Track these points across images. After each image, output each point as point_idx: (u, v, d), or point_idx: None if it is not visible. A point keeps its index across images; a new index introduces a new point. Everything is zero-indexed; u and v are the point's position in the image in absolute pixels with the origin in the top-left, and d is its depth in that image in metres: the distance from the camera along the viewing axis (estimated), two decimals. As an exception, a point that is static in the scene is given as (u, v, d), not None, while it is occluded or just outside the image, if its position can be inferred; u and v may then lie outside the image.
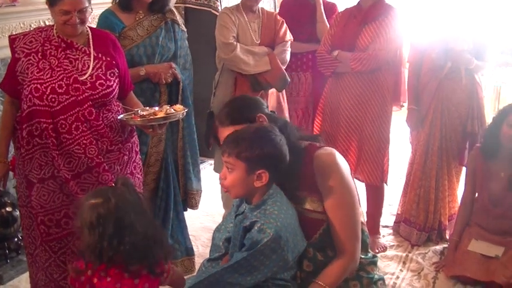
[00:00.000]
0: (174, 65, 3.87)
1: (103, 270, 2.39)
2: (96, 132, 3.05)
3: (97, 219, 2.34)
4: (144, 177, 3.79)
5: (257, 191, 2.51)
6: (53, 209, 3.10)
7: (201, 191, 4.28)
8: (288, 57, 4.58)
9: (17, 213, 4.12)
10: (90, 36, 3.15)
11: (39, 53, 3.05)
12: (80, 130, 3.01)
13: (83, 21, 3.05)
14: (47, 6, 3.04)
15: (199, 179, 4.27)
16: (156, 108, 3.17)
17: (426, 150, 4.51)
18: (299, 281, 2.60)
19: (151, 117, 3.08)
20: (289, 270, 2.52)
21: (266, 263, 2.40)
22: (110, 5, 3.78)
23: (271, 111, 2.77)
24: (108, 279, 2.39)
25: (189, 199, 4.22)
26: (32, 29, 4.23)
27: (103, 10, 3.76)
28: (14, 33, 4.27)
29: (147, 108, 3.19)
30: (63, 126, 3.00)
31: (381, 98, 4.38)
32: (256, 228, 2.42)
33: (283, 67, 4.51)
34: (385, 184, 4.60)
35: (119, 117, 3.10)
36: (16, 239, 4.34)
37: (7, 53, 4.32)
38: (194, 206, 4.28)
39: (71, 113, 3.00)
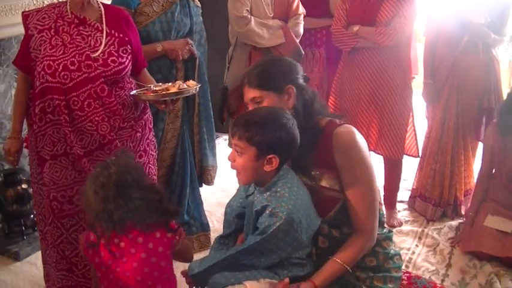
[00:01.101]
0: (190, 41, 3.87)
1: (116, 237, 2.41)
2: (109, 109, 3.05)
3: (99, 186, 2.37)
4: (160, 154, 3.83)
5: (266, 175, 2.49)
6: (66, 185, 3.11)
7: (217, 166, 4.30)
8: (301, 30, 4.55)
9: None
10: (103, 13, 3.13)
11: (52, 30, 3.04)
12: (92, 107, 3.00)
13: None
14: (59, -17, 3.04)
15: (214, 155, 4.28)
16: (169, 84, 3.14)
17: (442, 125, 4.49)
18: (315, 258, 2.59)
19: (164, 92, 3.05)
20: (304, 248, 2.50)
21: (280, 245, 2.39)
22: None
23: (305, 76, 2.69)
24: (122, 245, 2.42)
25: (205, 175, 4.23)
26: (44, 5, 4.24)
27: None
28: (27, 10, 4.28)
29: (160, 84, 3.17)
30: (76, 103, 2.99)
31: (402, 72, 4.36)
32: (267, 212, 2.40)
33: (297, 40, 4.48)
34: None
35: (131, 93, 3.09)
36: (32, 216, 4.36)
37: (20, 30, 4.36)
38: (210, 182, 4.29)
39: (83, 90, 2.99)
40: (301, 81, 2.62)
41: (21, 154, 3.34)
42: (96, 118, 3.01)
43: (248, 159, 2.43)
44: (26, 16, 3.10)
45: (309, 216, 2.45)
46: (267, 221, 2.38)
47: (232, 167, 2.53)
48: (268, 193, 2.46)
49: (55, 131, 3.05)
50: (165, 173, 3.99)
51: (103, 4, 3.18)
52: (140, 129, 3.21)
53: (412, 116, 4.57)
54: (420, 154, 4.73)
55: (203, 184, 4.32)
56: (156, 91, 3.06)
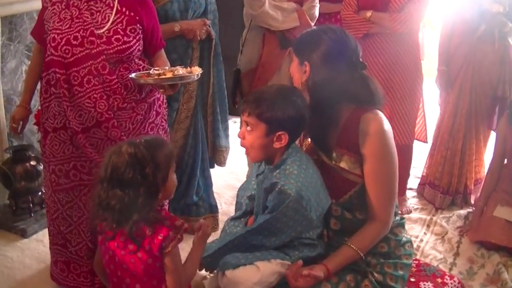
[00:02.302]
0: (208, 22, 3.84)
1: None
2: (109, 87, 3.03)
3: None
4: (173, 134, 3.82)
5: (276, 152, 2.50)
6: (63, 159, 3.13)
7: (229, 148, 4.29)
8: (316, 13, 4.49)
9: (41, 167, 4.14)
10: None
11: (64, 3, 3.03)
12: (92, 84, 2.99)
13: None
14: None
15: (227, 136, 4.28)
16: (167, 69, 3.07)
17: (455, 113, 4.46)
18: (326, 239, 2.60)
19: (157, 77, 2.96)
20: (315, 228, 2.50)
21: (289, 224, 2.40)
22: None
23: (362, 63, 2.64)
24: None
25: (217, 156, 4.23)
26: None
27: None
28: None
29: (158, 68, 3.08)
30: (76, 78, 2.99)
31: (413, 58, 4.31)
32: (276, 189, 2.41)
33: (312, 23, 4.43)
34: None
35: (129, 76, 3.04)
36: (40, 193, 4.36)
37: (32, 6, 4.35)
38: (222, 163, 4.30)
39: (84, 65, 2.98)
40: (320, 62, 2.55)
41: (26, 123, 3.38)
42: (95, 95, 3.00)
43: (258, 136, 2.46)
44: None
45: (318, 195, 2.46)
46: (276, 199, 2.40)
47: (242, 144, 2.56)
48: (277, 171, 2.48)
49: (56, 104, 3.07)
50: (177, 153, 3.96)
51: None
52: (142, 112, 3.17)
53: (423, 101, 4.53)
54: (429, 140, 4.71)
55: (215, 165, 4.32)
56: (149, 74, 2.98)
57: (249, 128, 2.48)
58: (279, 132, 2.44)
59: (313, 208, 2.42)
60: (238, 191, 2.85)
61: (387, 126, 2.53)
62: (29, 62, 4.34)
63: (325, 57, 2.53)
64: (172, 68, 3.06)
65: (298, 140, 2.73)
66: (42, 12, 3.13)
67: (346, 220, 2.57)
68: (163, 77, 2.92)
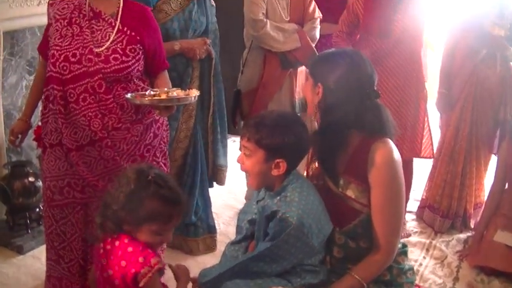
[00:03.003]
0: (208, 41, 3.84)
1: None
2: (105, 106, 3.00)
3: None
4: (172, 153, 3.82)
5: (276, 179, 2.48)
6: (58, 175, 3.11)
7: (227, 167, 4.26)
8: (317, 34, 4.52)
9: (40, 183, 4.12)
10: (121, 8, 3.08)
11: (66, 20, 3.03)
12: (87, 102, 2.98)
13: None
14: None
15: (226, 154, 4.27)
16: (164, 90, 3.02)
17: (455, 135, 4.46)
18: (329, 266, 2.57)
19: (151, 98, 2.90)
20: (317, 255, 2.48)
21: (291, 251, 2.38)
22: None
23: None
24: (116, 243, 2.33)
25: (218, 175, 4.23)
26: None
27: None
28: (42, 1, 4.30)
29: (156, 89, 3.02)
30: (72, 95, 2.98)
31: (416, 76, 4.35)
32: (278, 217, 2.38)
33: (313, 44, 4.45)
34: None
35: (125, 96, 3.00)
36: (38, 210, 4.34)
37: (34, 21, 4.35)
38: (222, 182, 4.29)
39: (81, 83, 2.97)
40: (334, 87, 2.51)
41: (24, 137, 3.35)
42: (90, 113, 2.98)
43: (256, 162, 2.45)
44: (49, 5, 3.14)
45: (320, 222, 2.44)
46: (277, 227, 2.37)
47: (242, 169, 2.54)
48: (278, 198, 2.45)
49: (53, 121, 3.06)
50: (176, 172, 3.95)
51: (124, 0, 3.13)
52: (138, 133, 3.12)
53: (427, 118, 4.53)
54: (434, 156, 4.70)
55: (214, 184, 4.31)
56: (144, 95, 2.92)
57: (247, 153, 2.47)
58: (278, 160, 2.42)
59: (314, 235, 2.39)
60: (239, 215, 2.83)
61: (397, 156, 2.50)
62: (30, 77, 4.36)
63: (338, 82, 2.49)
64: (169, 89, 3.02)
65: (306, 162, 2.72)
66: (47, 28, 3.14)
67: (350, 249, 2.55)
68: (158, 98, 2.88)
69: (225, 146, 4.25)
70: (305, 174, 2.75)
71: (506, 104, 4.35)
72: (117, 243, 2.30)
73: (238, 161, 2.55)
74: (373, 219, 2.49)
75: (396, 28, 4.18)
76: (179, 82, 3.49)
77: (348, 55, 2.57)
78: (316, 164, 2.70)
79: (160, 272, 2.29)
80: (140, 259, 2.23)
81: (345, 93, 2.49)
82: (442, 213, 4.59)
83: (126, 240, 2.28)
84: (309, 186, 2.53)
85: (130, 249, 2.26)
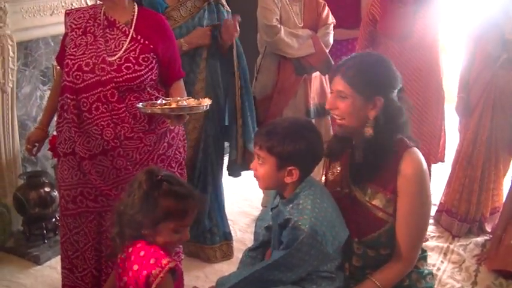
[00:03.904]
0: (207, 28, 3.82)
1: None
2: (117, 115, 3.01)
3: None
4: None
5: (288, 186, 2.48)
6: (71, 184, 3.12)
7: None
8: (331, 40, 4.51)
9: (55, 193, 4.13)
10: (135, 16, 3.09)
11: (81, 29, 3.05)
12: (100, 111, 2.99)
13: None
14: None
15: None
16: (176, 99, 3.00)
17: (474, 140, 4.43)
18: (347, 273, 2.55)
19: (160, 107, 2.89)
20: (332, 261, 2.45)
21: (305, 259, 2.36)
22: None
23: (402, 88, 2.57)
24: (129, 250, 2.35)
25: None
26: (72, 6, 4.25)
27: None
28: (55, 12, 4.29)
29: (169, 99, 3.02)
30: (85, 104, 2.99)
31: (436, 80, 4.40)
32: (290, 225, 2.37)
33: (327, 50, 4.43)
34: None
35: (136, 106, 2.99)
36: (54, 220, 4.34)
37: (48, 31, 4.36)
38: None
39: (93, 92, 2.98)
40: (394, 95, 2.51)
41: (41, 147, 3.38)
42: (102, 123, 2.99)
43: (269, 169, 2.44)
44: (66, 14, 3.16)
45: (334, 228, 2.42)
46: (290, 235, 2.36)
47: (255, 175, 2.54)
48: (290, 205, 2.45)
49: (67, 130, 3.07)
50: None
51: (139, 8, 3.14)
52: (151, 143, 3.12)
53: (444, 122, 4.57)
54: (447, 166, 4.71)
55: (232, 188, 4.33)
56: (154, 104, 2.92)
57: (260, 161, 2.47)
58: (290, 167, 2.42)
59: (329, 242, 2.38)
60: (256, 221, 2.84)
61: (425, 166, 2.50)
62: (44, 87, 4.38)
63: (395, 88, 2.50)
64: (181, 98, 3.02)
65: (323, 168, 2.71)
66: (64, 37, 3.17)
67: (369, 257, 2.54)
68: (168, 107, 2.87)
69: (255, 129, 4.09)
70: (323, 180, 2.74)
71: None
72: (130, 249, 2.32)
73: (251, 168, 2.55)
74: (397, 228, 2.48)
75: (417, 30, 4.19)
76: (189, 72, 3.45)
77: (381, 59, 2.57)
78: (338, 169, 2.68)
79: (174, 274, 2.29)
80: (151, 260, 2.24)
81: (399, 99, 2.51)
82: (460, 218, 4.55)
83: (138, 245, 2.30)
84: (323, 192, 2.52)
85: (142, 253, 2.28)
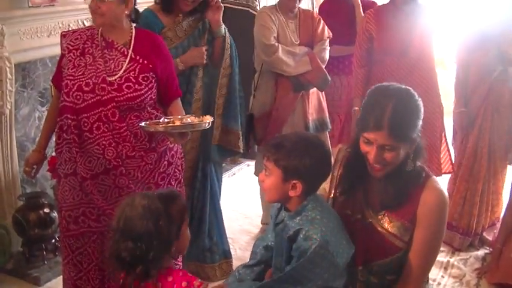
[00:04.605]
0: (204, 48, 3.80)
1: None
2: (118, 135, 3.03)
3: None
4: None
5: (294, 200, 2.48)
6: (73, 205, 3.11)
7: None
8: (327, 55, 4.53)
9: (55, 214, 4.14)
10: (133, 37, 3.12)
11: (79, 50, 3.07)
12: (101, 130, 3.01)
13: (102, 14, 3.00)
14: (85, 6, 3.09)
15: (237, 119, 4.06)
16: (178, 117, 3.01)
17: (474, 153, 4.45)
18: None
19: (165, 125, 2.92)
20: (340, 277, 2.44)
21: (316, 271, 2.34)
22: (145, 4, 3.78)
23: None
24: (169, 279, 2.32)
25: (231, 139, 4.03)
26: (70, 27, 4.27)
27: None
28: (53, 33, 4.30)
29: (170, 117, 3.06)
30: (86, 124, 3.01)
31: (436, 95, 4.45)
32: (301, 236, 2.37)
33: (323, 66, 4.45)
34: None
35: (139, 124, 3.02)
36: (54, 240, 4.34)
37: (45, 52, 4.38)
38: (236, 147, 4.06)
39: (94, 112, 3.00)
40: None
41: (39, 168, 3.38)
42: (104, 142, 3.01)
43: (274, 181, 2.45)
44: (62, 36, 3.18)
45: (342, 242, 2.42)
46: (302, 246, 2.35)
47: (262, 187, 2.60)
48: (299, 217, 2.44)
49: (67, 150, 3.07)
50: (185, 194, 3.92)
51: (136, 28, 3.17)
52: (152, 161, 3.14)
53: (445, 133, 4.59)
54: (447, 179, 4.70)
55: (229, 207, 4.27)
56: (158, 123, 2.95)
57: (267, 172, 2.47)
58: (294, 181, 2.42)
59: (339, 254, 2.37)
60: (255, 241, 2.83)
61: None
62: (42, 108, 4.38)
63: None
64: (183, 116, 3.04)
65: (330, 186, 2.71)
66: (60, 59, 3.18)
67: (372, 284, 2.54)
68: (172, 125, 2.90)
69: (235, 107, 4.05)
70: (330, 200, 2.72)
71: None
72: (159, 284, 2.29)
73: (260, 178, 2.57)
74: (411, 255, 2.48)
75: (414, 46, 4.21)
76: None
77: (410, 99, 2.50)
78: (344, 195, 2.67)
79: None
80: (183, 284, 2.25)
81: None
82: (461, 231, 4.56)
83: (164, 272, 2.28)
84: (328, 206, 2.54)
85: (170, 278, 2.27)
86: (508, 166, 4.61)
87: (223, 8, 3.84)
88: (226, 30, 3.90)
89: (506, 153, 4.49)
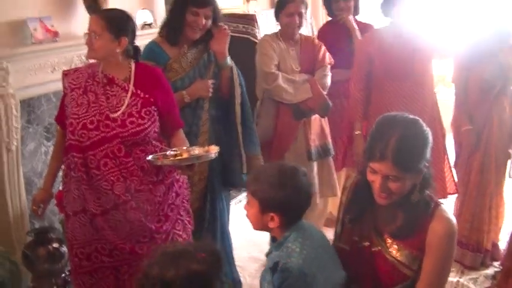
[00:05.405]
0: (210, 81, 3.80)
1: None
2: (126, 169, 3.06)
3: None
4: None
5: (275, 230, 2.53)
6: (84, 242, 3.14)
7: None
8: (328, 81, 4.54)
9: (64, 249, 4.13)
10: (132, 71, 3.17)
11: (81, 89, 3.12)
12: (108, 166, 3.04)
13: (94, 49, 3.08)
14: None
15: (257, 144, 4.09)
16: (184, 149, 3.09)
17: (481, 170, 4.46)
18: None
19: (173, 158, 2.97)
20: None
21: None
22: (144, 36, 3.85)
23: None
24: None
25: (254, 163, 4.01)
26: (73, 63, 4.30)
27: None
28: (56, 68, 4.33)
29: (178, 148, 3.10)
30: (92, 161, 3.04)
31: (439, 118, 4.52)
32: (279, 268, 2.40)
33: (325, 92, 4.47)
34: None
35: (147, 158, 3.06)
36: (63, 275, 4.33)
37: (49, 88, 4.40)
38: None
39: (100, 149, 3.04)
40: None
41: (46, 206, 3.43)
42: (112, 178, 3.04)
43: (254, 212, 2.52)
44: (64, 75, 3.23)
45: (325, 270, 2.45)
46: (280, 277, 2.39)
47: (246, 216, 2.60)
48: (280, 249, 2.48)
49: (76, 188, 3.10)
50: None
51: (136, 63, 3.22)
52: (160, 194, 3.18)
53: (447, 156, 4.62)
54: (454, 197, 4.72)
55: (238, 235, 4.31)
56: (166, 156, 3.00)
57: (247, 203, 2.55)
58: (271, 214, 2.47)
59: (319, 284, 2.40)
60: (262, 272, 2.83)
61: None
62: (48, 143, 4.41)
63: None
64: (189, 147, 3.09)
65: (338, 212, 2.69)
66: (63, 98, 3.22)
67: None
68: (180, 157, 2.94)
69: (254, 133, 4.10)
70: (339, 226, 2.71)
71: None
72: None
73: (244, 208, 2.61)
74: (420, 283, 2.47)
75: (416, 69, 4.22)
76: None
77: (415, 129, 2.49)
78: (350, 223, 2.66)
79: None
80: None
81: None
82: (472, 248, 4.56)
83: None
84: (314, 234, 2.57)
85: None
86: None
87: (230, 37, 3.87)
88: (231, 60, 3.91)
89: (506, 165, 4.55)
